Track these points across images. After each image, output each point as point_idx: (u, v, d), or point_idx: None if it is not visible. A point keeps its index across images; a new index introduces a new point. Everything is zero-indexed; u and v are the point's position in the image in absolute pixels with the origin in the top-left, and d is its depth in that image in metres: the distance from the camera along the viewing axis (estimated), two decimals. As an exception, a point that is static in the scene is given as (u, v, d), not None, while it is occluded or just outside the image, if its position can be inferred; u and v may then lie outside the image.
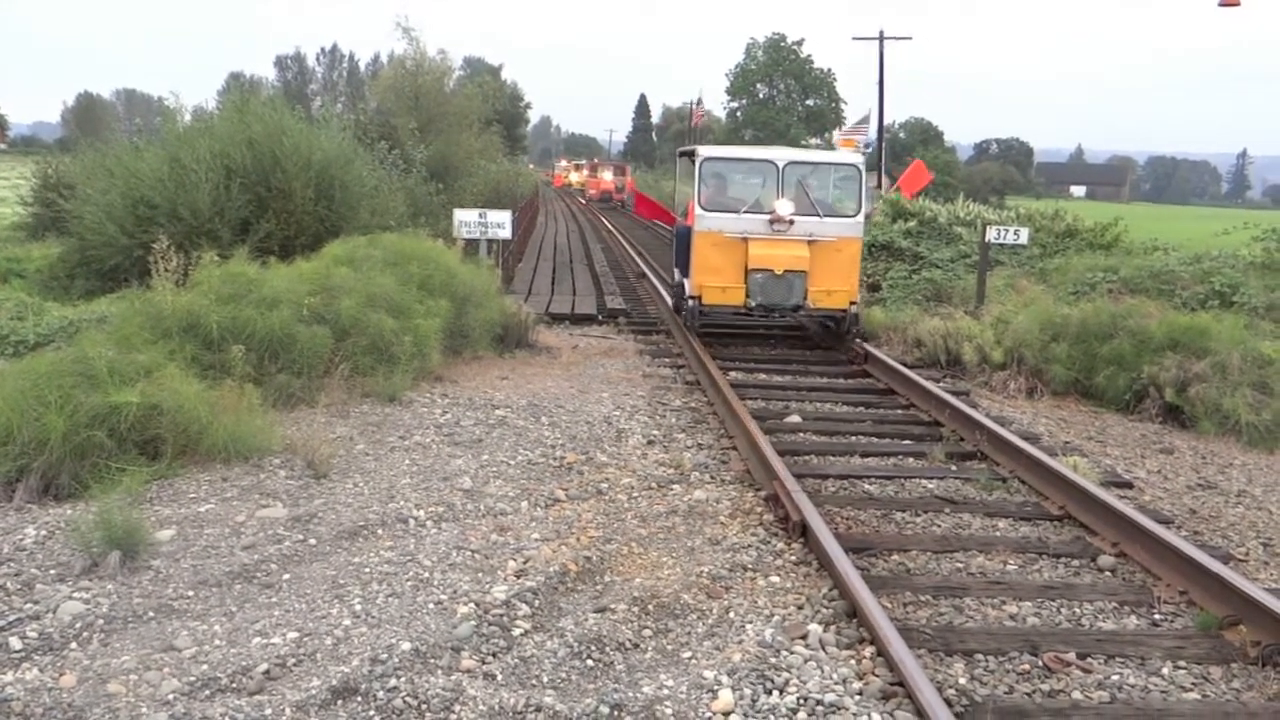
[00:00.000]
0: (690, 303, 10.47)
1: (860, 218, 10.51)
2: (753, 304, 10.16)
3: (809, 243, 10.12)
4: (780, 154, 10.63)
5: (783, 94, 76.23)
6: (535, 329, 10.96)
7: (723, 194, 10.93)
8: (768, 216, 10.13)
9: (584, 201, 57.09)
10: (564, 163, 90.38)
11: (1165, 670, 4.09)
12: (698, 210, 10.26)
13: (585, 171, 65.46)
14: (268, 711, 3.43)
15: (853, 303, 10.36)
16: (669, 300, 12.77)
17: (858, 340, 10.50)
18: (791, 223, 10.08)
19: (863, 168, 10.80)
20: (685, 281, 10.81)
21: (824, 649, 4.02)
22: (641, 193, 18.87)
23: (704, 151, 10.69)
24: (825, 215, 10.35)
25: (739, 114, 76.05)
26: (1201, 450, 7.68)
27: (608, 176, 57.21)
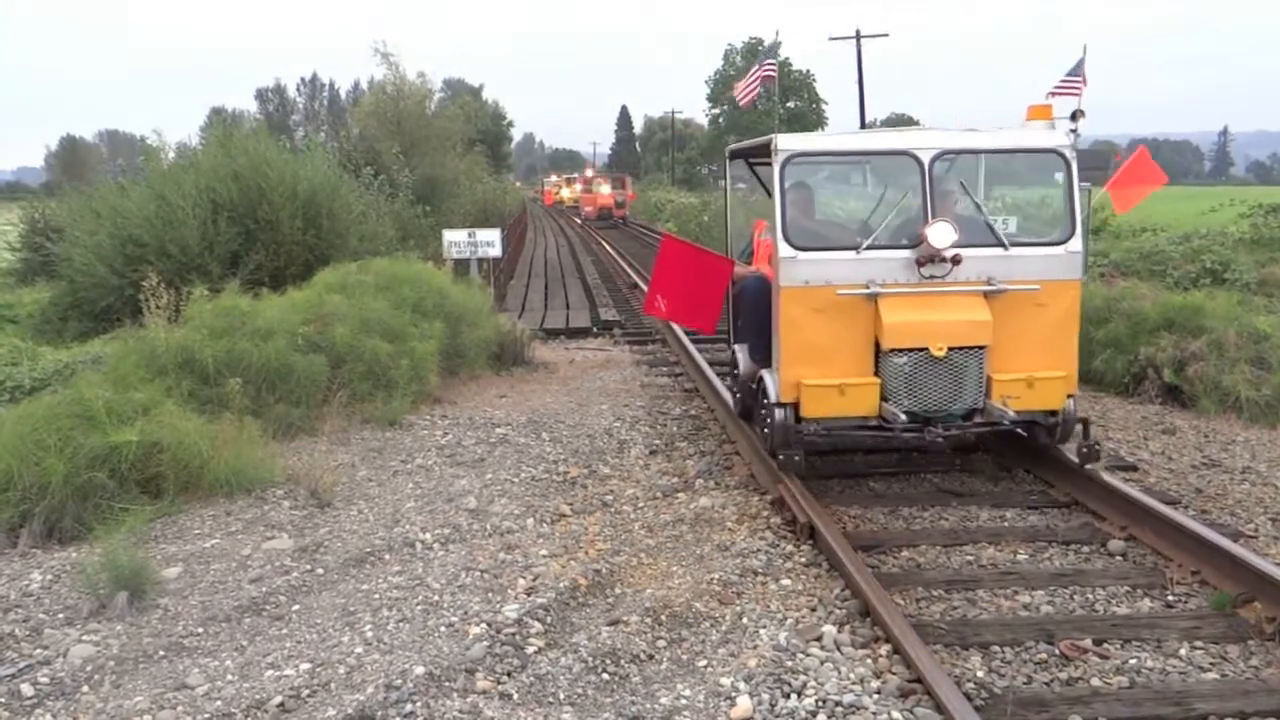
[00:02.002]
0: (779, 414, 5.85)
1: (1076, 244, 5.92)
2: (898, 413, 5.66)
3: (987, 295, 5.76)
4: (923, 139, 5.99)
5: (763, 98, 76.43)
6: (531, 345, 10.96)
7: (824, 218, 6.75)
8: (911, 252, 5.77)
9: (579, 221, 50.82)
10: (554, 177, 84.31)
11: (1182, 651, 4.08)
12: (782, 249, 5.77)
13: (579, 185, 59.26)
14: (285, 745, 3.40)
15: (1070, 395, 5.95)
16: (726, 396, 7.78)
17: (1087, 467, 5.91)
18: (956, 261, 5.72)
19: (1072, 156, 5.98)
20: (766, 376, 6.09)
21: (839, 649, 4.01)
22: (678, 239, 7.87)
23: (788, 144, 5.92)
24: (1013, 244, 5.89)
25: (721, 120, 76.23)
26: (1203, 429, 7.68)
27: (605, 189, 49.99)
